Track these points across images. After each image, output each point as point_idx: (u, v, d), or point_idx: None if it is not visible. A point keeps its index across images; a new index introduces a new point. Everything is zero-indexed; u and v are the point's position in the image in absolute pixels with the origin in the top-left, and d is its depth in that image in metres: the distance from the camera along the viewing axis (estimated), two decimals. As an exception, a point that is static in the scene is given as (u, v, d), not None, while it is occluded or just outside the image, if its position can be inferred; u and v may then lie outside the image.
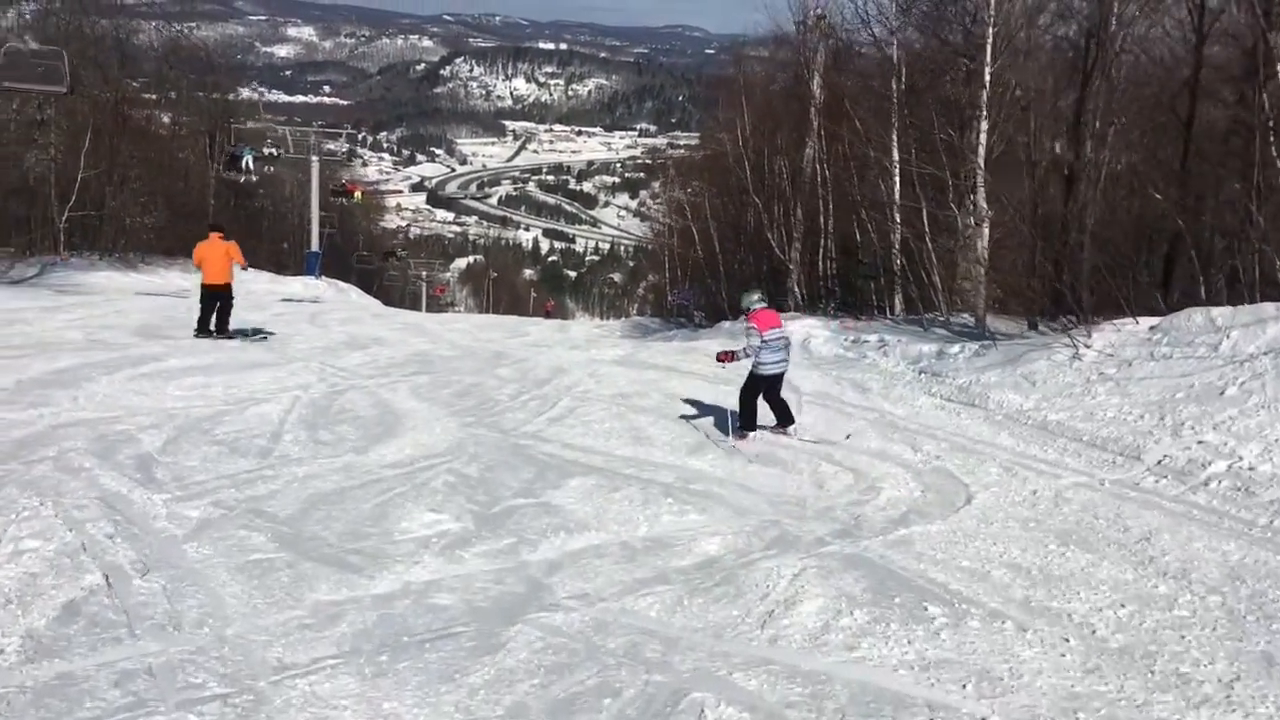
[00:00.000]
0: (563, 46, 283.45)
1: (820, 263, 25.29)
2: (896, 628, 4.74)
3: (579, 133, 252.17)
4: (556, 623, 4.68)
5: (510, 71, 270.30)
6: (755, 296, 9.42)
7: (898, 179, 20.37)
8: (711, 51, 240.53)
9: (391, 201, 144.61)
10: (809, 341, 16.68)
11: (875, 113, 21.23)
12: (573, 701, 3.96)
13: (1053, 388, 10.24)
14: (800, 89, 26.63)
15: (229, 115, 38.69)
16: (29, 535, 5.26)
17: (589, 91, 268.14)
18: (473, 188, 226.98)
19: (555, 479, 7.51)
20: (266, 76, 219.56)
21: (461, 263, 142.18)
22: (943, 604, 5.06)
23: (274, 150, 35.96)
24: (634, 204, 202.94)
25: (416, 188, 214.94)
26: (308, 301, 24.69)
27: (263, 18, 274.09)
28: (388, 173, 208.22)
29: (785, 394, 9.79)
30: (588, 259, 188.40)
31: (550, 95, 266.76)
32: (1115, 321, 10.87)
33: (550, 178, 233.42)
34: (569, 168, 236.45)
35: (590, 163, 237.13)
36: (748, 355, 9.11)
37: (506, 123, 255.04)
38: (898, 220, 20.46)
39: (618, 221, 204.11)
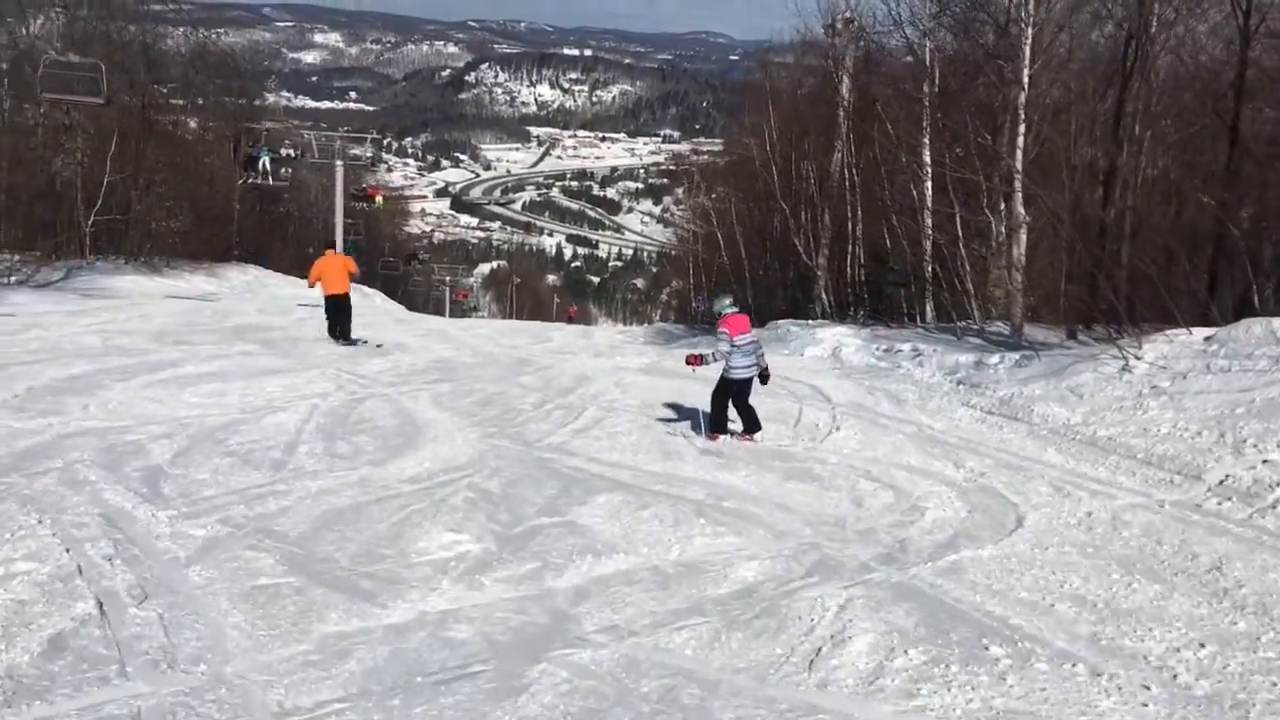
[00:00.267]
0: (587, 53, 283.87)
1: (848, 269, 24.81)
2: (957, 670, 4.32)
3: (603, 138, 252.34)
4: (584, 661, 4.30)
5: (535, 77, 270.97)
6: (727, 301, 9.41)
7: (929, 183, 19.90)
8: (735, 58, 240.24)
9: (416, 207, 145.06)
10: (840, 350, 16.24)
11: (907, 116, 20.78)
12: (602, 753, 3.58)
13: (1101, 401, 9.75)
14: (828, 93, 26.19)
15: (249, 118, 38.67)
16: (23, 556, 4.94)
17: (613, 97, 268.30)
18: (497, 193, 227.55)
19: (581, 495, 7.14)
20: (293, 82, 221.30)
21: (485, 268, 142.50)
22: (1005, 642, 4.63)
23: (291, 151, 35.80)
24: (657, 210, 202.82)
25: (441, 193, 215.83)
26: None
27: (290, 24, 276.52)
28: (412, 178, 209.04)
29: (816, 404, 9.40)
30: (611, 265, 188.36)
31: (574, 101, 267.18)
32: (1167, 332, 10.37)
33: (574, 183, 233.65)
34: (593, 173, 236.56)
35: (614, 168, 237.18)
36: (716, 359, 9.16)
37: (531, 128, 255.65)
38: (929, 225, 20.00)
39: (641, 227, 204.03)
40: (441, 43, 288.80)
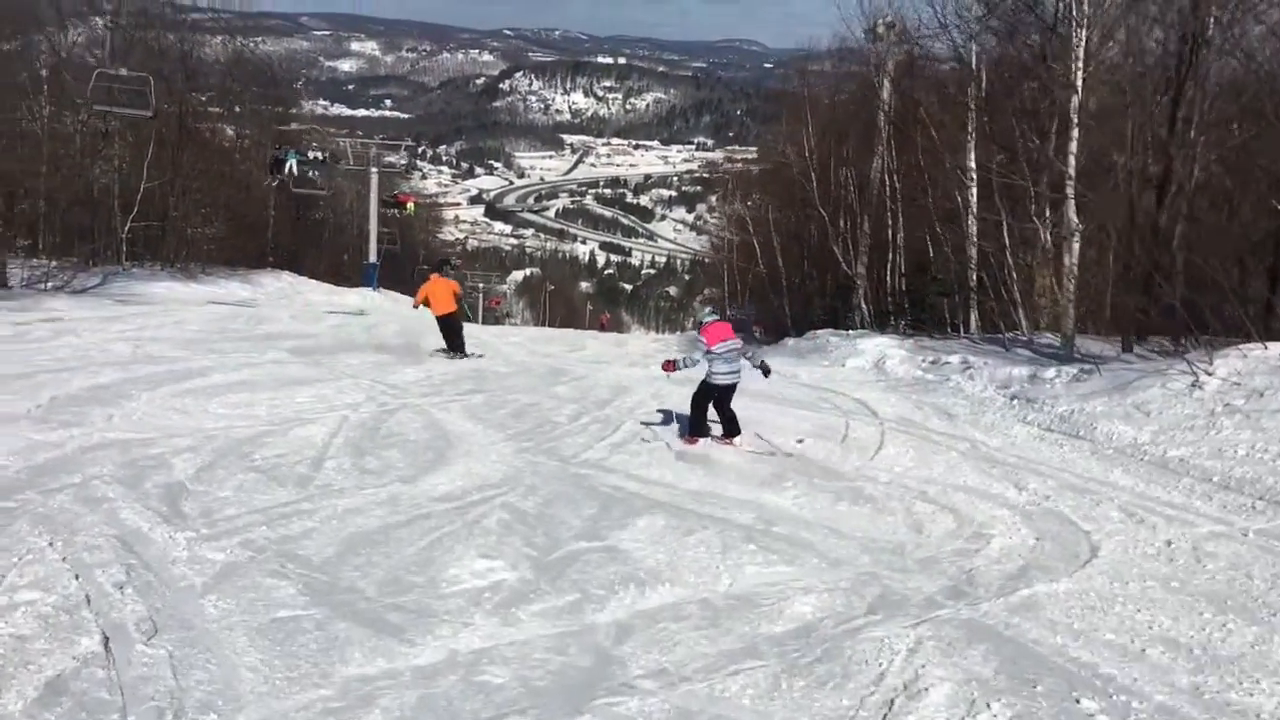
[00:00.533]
0: (621, 60, 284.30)
1: (889, 278, 24.24)
2: (1049, 730, 3.87)
3: (636, 146, 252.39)
4: (632, 712, 3.88)
5: (569, 85, 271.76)
6: (707, 310, 10.05)
7: (974, 190, 19.34)
8: (769, 66, 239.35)
9: (449, 214, 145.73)
10: (884, 362, 15.73)
11: (950, 120, 20.24)
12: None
13: (1170, 419, 9.20)
14: (868, 98, 25.68)
15: (281, 123, 38.77)
16: (28, 584, 4.62)
17: (646, 105, 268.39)
18: (530, 201, 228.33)
19: (621, 517, 6.74)
20: (329, 90, 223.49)
21: (518, 275, 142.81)
22: (1097, 694, 4.16)
23: (319, 155, 35.69)
24: (690, 218, 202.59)
25: (475, 200, 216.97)
26: (352, 314, 24.27)
27: (327, 32, 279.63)
28: (446, 185, 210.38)
29: (863, 419, 8.97)
30: (644, 272, 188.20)
31: (608, 109, 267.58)
32: (1240, 346, 9.79)
33: (607, 191, 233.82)
34: (626, 181, 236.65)
35: (647, 176, 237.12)
36: (687, 365, 9.46)
37: (564, 136, 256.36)
38: (974, 233, 19.42)
39: (674, 235, 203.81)
40: (477, 51, 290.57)
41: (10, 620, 4.22)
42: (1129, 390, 10.01)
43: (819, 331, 21.77)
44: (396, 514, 6.49)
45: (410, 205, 39.79)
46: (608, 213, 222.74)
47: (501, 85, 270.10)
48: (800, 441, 9.55)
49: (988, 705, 4.02)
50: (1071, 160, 15.38)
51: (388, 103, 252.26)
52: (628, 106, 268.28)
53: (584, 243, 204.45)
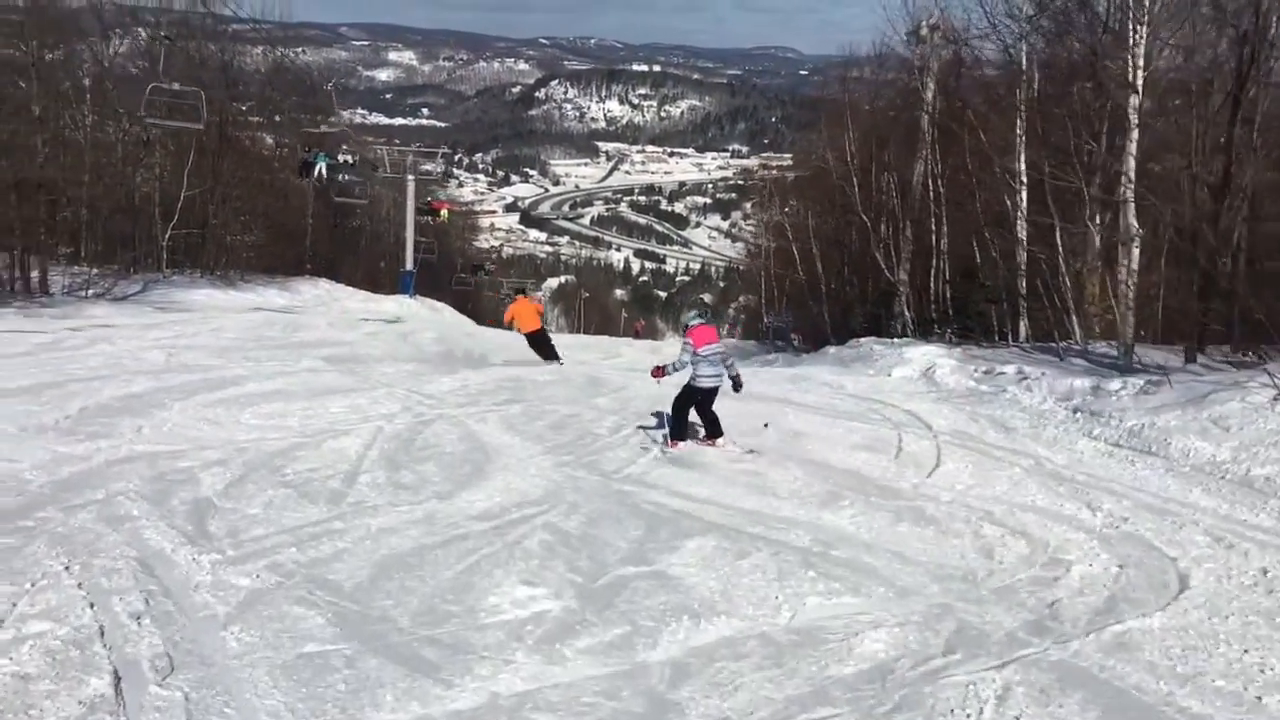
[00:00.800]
0: (656, 68, 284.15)
1: (933, 284, 23.61)
2: (1168, 798, 3.40)
3: (671, 153, 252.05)
4: (692, 771, 3.48)
5: (604, 93, 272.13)
6: (693, 313, 10.12)
7: (1024, 193, 18.72)
8: (804, 73, 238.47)
9: (485, 221, 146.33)
10: (933, 371, 15.16)
11: (999, 122, 19.64)
12: None
13: (1252, 435, 8.61)
14: (910, 102, 25.12)
15: (312, 127, 38.83)
16: (40, 613, 4.30)
17: (681, 113, 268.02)
18: (565, 208, 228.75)
19: (669, 538, 6.34)
20: (368, 99, 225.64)
21: (553, 282, 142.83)
22: (1217, 754, 3.69)
23: (349, 158, 35.61)
24: (725, 225, 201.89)
25: (510, 208, 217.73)
26: (387, 321, 24.09)
27: (365, 42, 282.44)
28: (482, 193, 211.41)
29: (916, 432, 8.54)
30: (678, 279, 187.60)
31: (643, 117, 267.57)
32: (1326, 357, 9.19)
33: (642, 198, 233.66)
34: (660, 188, 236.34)
35: (682, 183, 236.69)
36: (676, 369, 9.44)
37: (599, 144, 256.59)
38: (1024, 238, 18.80)
39: (709, 242, 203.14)
40: (513, 60, 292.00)
41: (16, 656, 3.89)
42: (1204, 403, 9.43)
43: (862, 339, 21.19)
44: (432, 534, 6.14)
45: (444, 212, 39.67)
46: (642, 220, 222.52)
47: (537, 94, 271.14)
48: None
49: (1095, 767, 3.57)
50: (1131, 162, 14.77)
51: (425, 111, 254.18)
52: (662, 114, 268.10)
53: (619, 250, 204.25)
